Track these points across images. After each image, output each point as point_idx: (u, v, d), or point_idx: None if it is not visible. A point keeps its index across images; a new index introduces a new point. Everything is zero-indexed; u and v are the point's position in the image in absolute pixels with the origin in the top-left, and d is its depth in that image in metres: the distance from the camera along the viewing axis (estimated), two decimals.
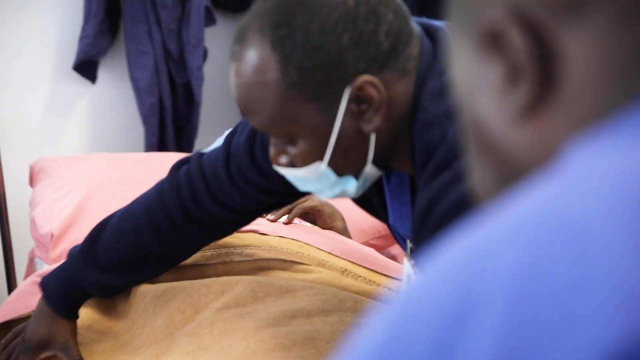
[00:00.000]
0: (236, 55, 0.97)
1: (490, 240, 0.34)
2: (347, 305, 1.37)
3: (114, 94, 2.43)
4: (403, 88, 0.97)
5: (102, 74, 2.42)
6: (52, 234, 1.81)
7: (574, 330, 0.30)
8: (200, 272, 1.52)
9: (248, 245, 1.55)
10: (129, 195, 1.89)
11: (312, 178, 1.01)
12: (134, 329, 1.44)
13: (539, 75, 0.39)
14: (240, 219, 1.32)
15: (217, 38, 2.53)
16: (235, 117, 2.59)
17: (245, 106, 0.98)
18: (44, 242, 1.84)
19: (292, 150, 1.00)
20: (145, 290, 1.47)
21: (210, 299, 1.41)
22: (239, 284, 1.41)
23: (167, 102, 2.38)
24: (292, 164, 1.01)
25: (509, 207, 0.35)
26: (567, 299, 0.31)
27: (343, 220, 1.79)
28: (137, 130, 2.41)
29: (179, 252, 1.37)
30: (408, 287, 0.36)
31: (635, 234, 0.31)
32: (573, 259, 0.31)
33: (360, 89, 0.94)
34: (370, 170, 1.01)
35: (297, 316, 1.33)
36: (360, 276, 1.55)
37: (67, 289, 1.36)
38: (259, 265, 1.52)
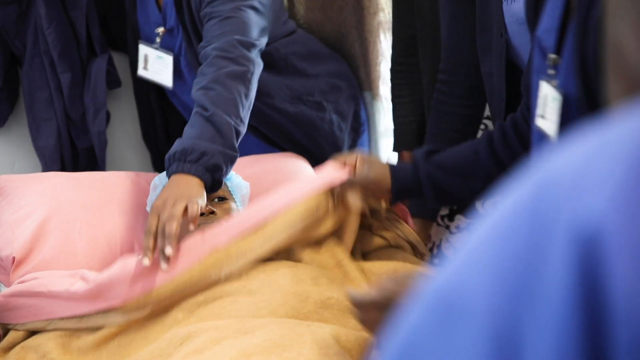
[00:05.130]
0: None
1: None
2: (304, 338, 1.37)
3: (15, 163, 2.36)
4: None
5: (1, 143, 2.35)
6: (14, 258, 1.75)
7: None
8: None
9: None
10: (91, 216, 1.88)
11: None
12: None
13: None
14: None
15: (119, 97, 2.46)
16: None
17: None
18: (4, 266, 1.79)
19: None
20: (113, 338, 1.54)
21: (170, 351, 1.44)
22: (198, 334, 1.43)
23: (69, 168, 2.31)
24: None
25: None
26: None
27: None
28: None
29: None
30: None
31: None
32: None
33: None
34: None
35: (253, 354, 1.33)
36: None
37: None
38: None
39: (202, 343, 1.40)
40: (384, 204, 1.82)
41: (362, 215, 1.80)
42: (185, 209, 1.60)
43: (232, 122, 1.76)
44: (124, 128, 2.48)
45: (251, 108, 1.86)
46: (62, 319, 1.61)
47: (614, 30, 0.47)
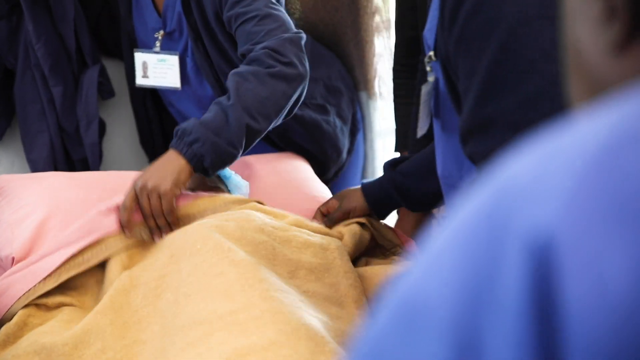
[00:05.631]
0: None
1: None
2: (300, 333, 1.36)
3: (14, 163, 2.37)
4: None
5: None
6: (14, 258, 1.76)
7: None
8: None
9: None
10: None
11: None
12: None
13: (631, 19, 0.43)
14: None
15: (114, 108, 2.47)
16: None
17: None
18: (4, 266, 1.80)
19: None
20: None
21: (165, 346, 1.44)
22: (191, 327, 1.42)
23: None
24: None
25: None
26: None
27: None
28: None
29: None
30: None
31: None
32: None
33: None
34: None
35: (250, 353, 1.32)
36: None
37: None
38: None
39: (195, 336, 1.39)
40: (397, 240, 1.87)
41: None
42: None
43: (248, 121, 1.76)
44: (120, 137, 2.50)
45: (293, 111, 1.87)
46: (60, 271, 1.65)
47: (572, 30, 0.47)
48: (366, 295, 1.59)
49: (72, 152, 2.34)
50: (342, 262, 1.63)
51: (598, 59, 0.45)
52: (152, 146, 2.42)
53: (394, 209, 1.91)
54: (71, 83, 2.31)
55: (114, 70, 2.42)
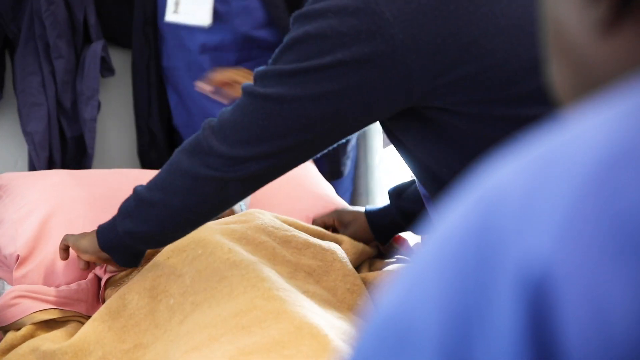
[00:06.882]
0: None
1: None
2: (303, 332, 1.35)
3: (17, 161, 2.36)
4: None
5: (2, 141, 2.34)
6: (18, 256, 1.75)
7: None
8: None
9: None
10: (93, 213, 1.91)
11: None
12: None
13: None
14: None
15: (110, 88, 2.45)
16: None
17: None
18: (7, 263, 1.79)
19: None
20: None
21: (169, 349, 1.43)
22: (196, 331, 1.42)
23: (57, 157, 2.29)
24: None
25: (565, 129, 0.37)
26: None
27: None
28: None
29: None
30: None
31: None
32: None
33: None
34: None
35: (253, 352, 1.32)
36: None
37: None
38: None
39: (200, 340, 1.39)
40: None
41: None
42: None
43: None
44: (113, 119, 2.48)
45: None
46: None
47: (553, 8, 0.43)
48: (366, 299, 1.58)
49: (67, 129, 2.31)
50: (341, 265, 1.62)
51: (583, 40, 0.41)
52: (148, 129, 2.40)
53: (395, 234, 1.88)
54: (73, 57, 2.29)
55: (113, 55, 2.42)
